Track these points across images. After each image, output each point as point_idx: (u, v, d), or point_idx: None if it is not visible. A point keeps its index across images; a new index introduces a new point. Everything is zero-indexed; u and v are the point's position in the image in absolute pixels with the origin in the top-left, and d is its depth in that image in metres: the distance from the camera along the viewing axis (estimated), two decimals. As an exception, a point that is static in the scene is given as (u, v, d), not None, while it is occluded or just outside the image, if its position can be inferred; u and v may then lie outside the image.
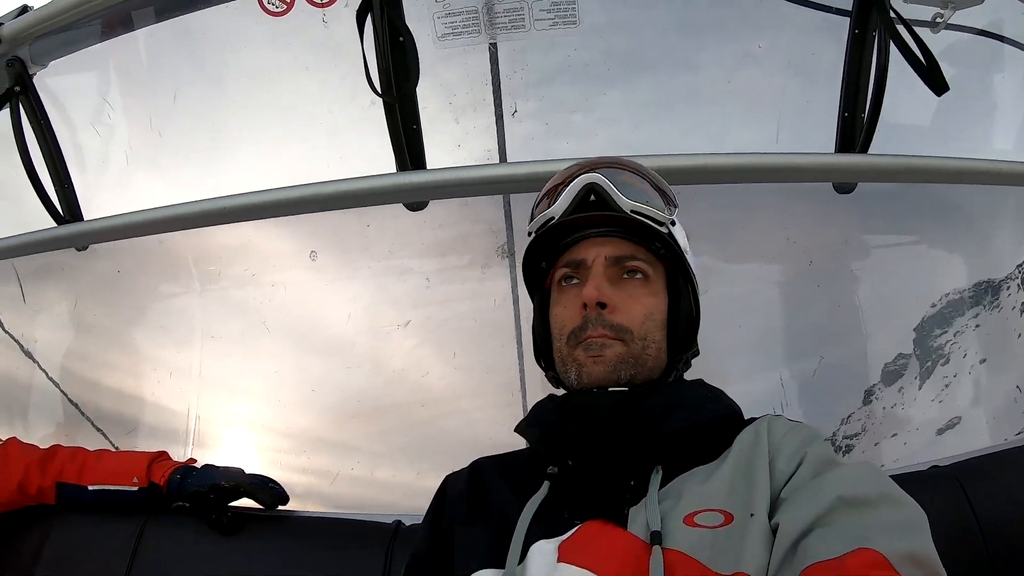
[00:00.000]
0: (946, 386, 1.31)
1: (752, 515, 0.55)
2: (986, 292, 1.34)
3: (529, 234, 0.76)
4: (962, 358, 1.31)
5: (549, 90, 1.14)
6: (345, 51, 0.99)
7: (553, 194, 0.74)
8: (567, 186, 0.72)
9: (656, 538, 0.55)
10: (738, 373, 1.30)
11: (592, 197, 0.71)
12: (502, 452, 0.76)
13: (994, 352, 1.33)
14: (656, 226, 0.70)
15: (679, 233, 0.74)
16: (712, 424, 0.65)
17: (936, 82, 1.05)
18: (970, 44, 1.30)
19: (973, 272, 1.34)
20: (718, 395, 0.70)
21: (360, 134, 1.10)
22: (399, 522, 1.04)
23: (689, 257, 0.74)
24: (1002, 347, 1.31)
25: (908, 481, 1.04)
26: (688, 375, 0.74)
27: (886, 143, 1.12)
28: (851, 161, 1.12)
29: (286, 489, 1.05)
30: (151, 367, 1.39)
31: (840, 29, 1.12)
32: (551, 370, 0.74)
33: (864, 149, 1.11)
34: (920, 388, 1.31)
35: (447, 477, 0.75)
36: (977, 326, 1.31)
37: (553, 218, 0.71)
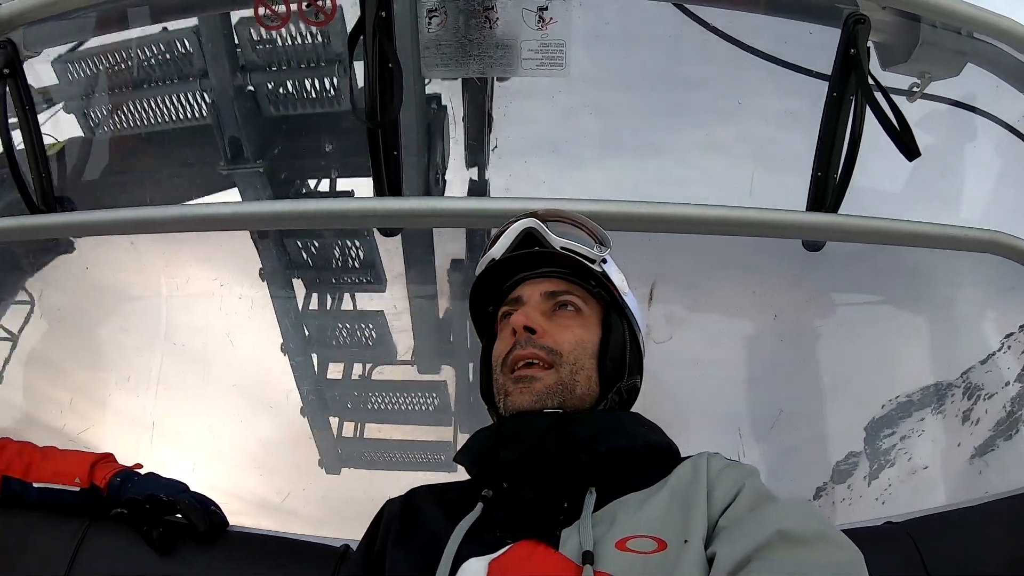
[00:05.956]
0: (888, 486, 1.35)
1: (686, 542, 0.56)
2: (933, 397, 1.39)
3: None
4: (907, 462, 1.35)
5: (521, 163, 1.19)
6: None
7: (491, 243, 0.80)
8: (505, 231, 0.79)
9: (588, 558, 0.55)
10: (697, 421, 1.31)
11: (530, 243, 0.77)
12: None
13: (936, 459, 1.36)
14: (587, 263, 0.75)
15: (613, 272, 0.79)
16: (647, 451, 0.67)
17: (908, 147, 1.09)
18: (944, 114, 1.35)
19: (926, 370, 1.39)
20: (654, 428, 0.73)
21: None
22: (347, 546, 1.02)
23: (627, 297, 0.78)
24: (944, 455, 1.35)
25: (861, 536, 1.06)
26: (645, 416, 0.75)
27: (857, 204, 1.16)
28: (821, 220, 1.15)
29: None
30: (109, 372, 1.37)
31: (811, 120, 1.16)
32: (492, 406, 0.76)
33: (835, 209, 1.15)
34: (868, 486, 1.35)
35: (386, 503, 0.76)
36: (923, 431, 1.36)
37: (494, 259, 0.78)
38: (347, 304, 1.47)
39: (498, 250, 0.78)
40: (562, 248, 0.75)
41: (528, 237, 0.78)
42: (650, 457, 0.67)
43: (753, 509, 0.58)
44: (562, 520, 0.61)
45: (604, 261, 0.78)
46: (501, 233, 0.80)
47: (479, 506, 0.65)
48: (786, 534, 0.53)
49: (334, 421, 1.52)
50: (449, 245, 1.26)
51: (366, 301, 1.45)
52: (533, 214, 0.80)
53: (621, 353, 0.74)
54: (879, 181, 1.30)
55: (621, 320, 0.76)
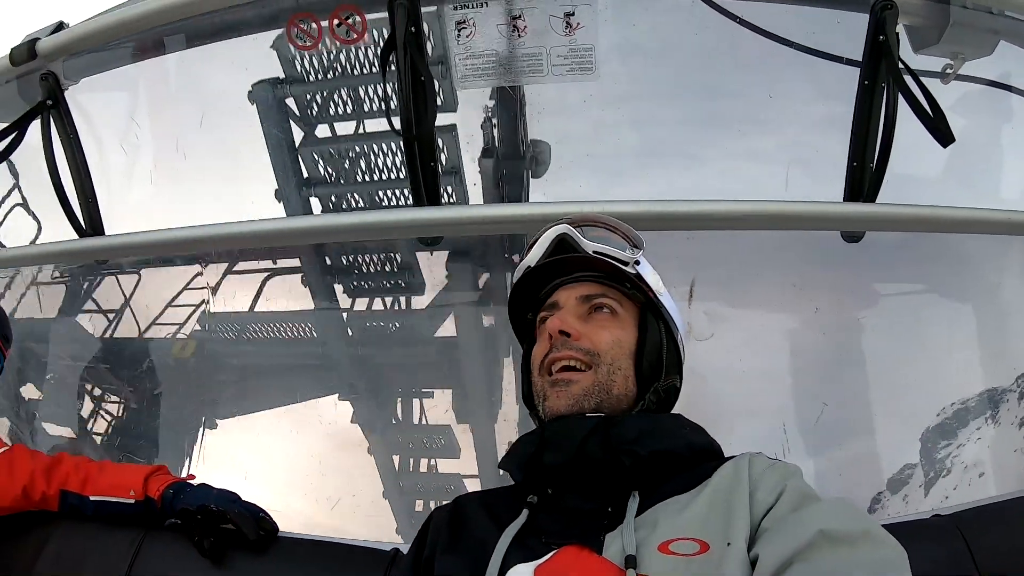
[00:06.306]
0: (945, 498, 1.31)
1: (729, 544, 0.56)
2: (988, 404, 1.35)
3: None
4: (963, 471, 1.32)
5: (563, 182, 1.21)
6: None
7: (529, 248, 0.82)
8: (539, 238, 0.80)
9: (631, 562, 0.56)
10: (741, 417, 1.30)
11: (564, 248, 0.79)
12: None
13: (993, 467, 1.33)
14: (620, 265, 0.76)
15: (648, 273, 0.79)
16: (689, 453, 0.67)
17: (942, 133, 1.07)
18: (979, 95, 1.32)
19: (976, 366, 1.35)
20: (696, 429, 0.73)
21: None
22: (397, 550, 1.04)
23: (663, 297, 0.78)
24: (1001, 462, 1.32)
25: (909, 529, 1.05)
26: (688, 415, 0.75)
27: (894, 192, 1.14)
28: (859, 210, 1.13)
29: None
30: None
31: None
32: (533, 408, 0.78)
33: (872, 198, 1.13)
34: (925, 498, 1.32)
35: (434, 511, 0.77)
36: (979, 439, 1.32)
37: (530, 266, 0.79)
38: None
39: (533, 257, 0.79)
40: (595, 252, 0.76)
41: (562, 243, 0.79)
42: (693, 458, 0.67)
43: (795, 510, 0.58)
44: (606, 525, 0.61)
45: (637, 263, 0.78)
46: (536, 240, 0.81)
47: (524, 512, 0.66)
48: (828, 534, 0.52)
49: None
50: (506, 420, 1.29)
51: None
52: (564, 220, 0.81)
53: (658, 353, 0.75)
54: (915, 166, 1.28)
55: (657, 320, 0.76)
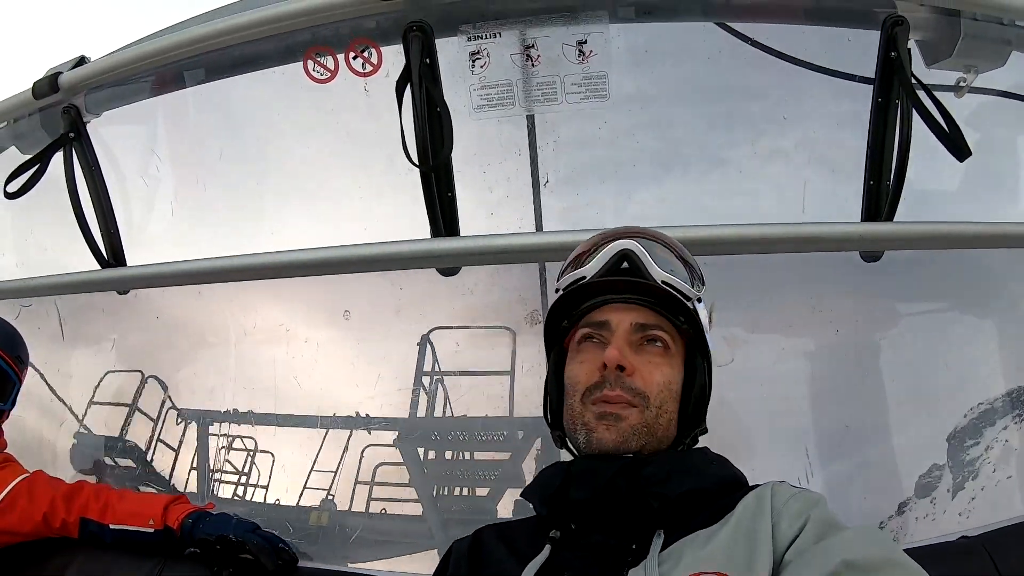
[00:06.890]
0: (972, 499, 1.27)
1: None
2: (1015, 403, 1.32)
3: (557, 291, 0.77)
4: (991, 472, 1.28)
5: (583, 188, 1.20)
6: (385, 118, 1.05)
7: (583, 257, 0.76)
8: (601, 249, 0.74)
9: None
10: (762, 443, 1.28)
11: (624, 264, 0.72)
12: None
13: (1019, 471, 1.30)
14: (683, 300, 0.72)
15: (701, 310, 0.75)
16: (716, 488, 0.66)
17: (958, 147, 1.06)
18: (994, 106, 1.31)
19: (998, 377, 1.32)
20: (722, 462, 0.71)
21: (396, 199, 1.16)
22: (419, 581, 1.04)
23: (708, 336, 0.75)
24: None
25: (936, 552, 1.03)
26: (710, 444, 0.73)
27: (912, 208, 1.13)
28: (877, 230, 1.12)
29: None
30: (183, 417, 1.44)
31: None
32: (558, 429, 0.74)
33: (890, 217, 1.12)
34: (952, 500, 1.28)
35: (454, 543, 0.76)
36: (1007, 440, 1.29)
37: (584, 278, 0.73)
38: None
39: (590, 270, 0.73)
40: (662, 282, 0.71)
41: (622, 258, 0.72)
42: (718, 492, 0.66)
43: (819, 540, 0.57)
44: (629, 561, 0.60)
45: (699, 300, 0.74)
46: (593, 249, 0.75)
47: (547, 548, 0.65)
48: (852, 564, 0.52)
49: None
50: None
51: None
52: (626, 235, 0.75)
53: (702, 396, 0.73)
54: (932, 182, 1.27)
55: (704, 362, 0.73)
